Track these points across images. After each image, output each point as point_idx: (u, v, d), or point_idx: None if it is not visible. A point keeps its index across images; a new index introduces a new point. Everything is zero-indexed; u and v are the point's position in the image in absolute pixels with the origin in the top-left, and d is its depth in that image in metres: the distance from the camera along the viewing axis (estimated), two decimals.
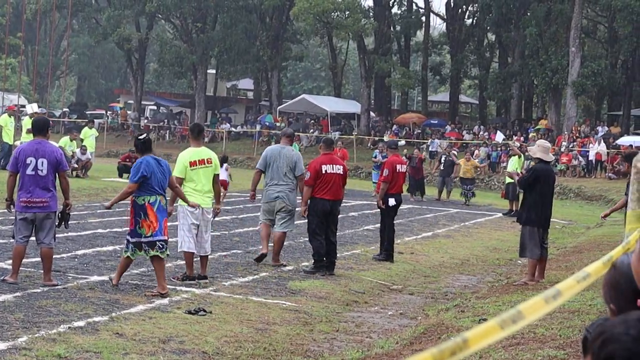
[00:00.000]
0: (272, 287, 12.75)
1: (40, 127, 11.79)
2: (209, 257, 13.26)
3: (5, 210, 12.28)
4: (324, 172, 14.58)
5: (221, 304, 11.15)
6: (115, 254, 14.50)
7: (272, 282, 13.18)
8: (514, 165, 28.61)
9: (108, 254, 14.57)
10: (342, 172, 14.80)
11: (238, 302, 11.42)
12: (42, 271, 11.57)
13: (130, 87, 74.12)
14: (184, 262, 12.96)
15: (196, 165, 12.75)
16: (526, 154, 28.37)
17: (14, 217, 11.73)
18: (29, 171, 11.35)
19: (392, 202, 16.50)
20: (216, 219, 14.38)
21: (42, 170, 11.37)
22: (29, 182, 11.36)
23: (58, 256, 13.36)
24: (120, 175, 32.68)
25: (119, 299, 10.94)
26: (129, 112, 69.72)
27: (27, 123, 30.46)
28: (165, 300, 11.05)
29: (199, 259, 12.90)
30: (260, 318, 10.59)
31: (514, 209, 27.62)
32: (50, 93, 77.81)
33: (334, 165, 14.74)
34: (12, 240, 12.04)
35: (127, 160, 33.87)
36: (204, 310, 10.55)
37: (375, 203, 17.60)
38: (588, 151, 44.23)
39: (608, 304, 2.67)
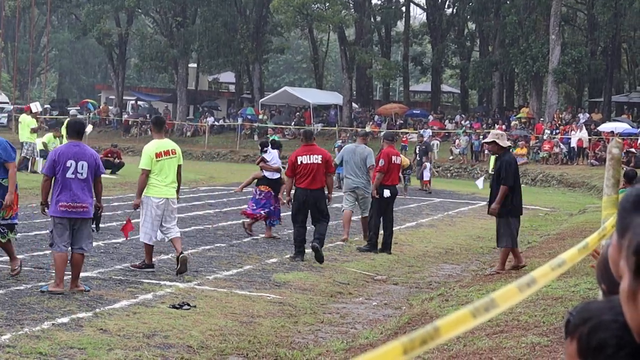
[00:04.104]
0: (256, 280, 12.75)
1: (78, 130, 11.53)
2: (195, 249, 13.23)
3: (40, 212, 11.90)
4: (299, 162, 15.04)
5: (205, 298, 11.13)
6: (98, 250, 14.44)
7: (256, 275, 13.17)
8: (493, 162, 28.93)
9: (91, 250, 14.46)
10: (321, 161, 15.06)
11: (222, 295, 11.41)
12: (71, 276, 11.17)
13: (111, 82, 73.69)
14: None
15: (162, 157, 12.91)
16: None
17: (51, 224, 11.25)
18: (69, 174, 11.03)
19: (387, 193, 16.58)
20: (199, 212, 14.36)
21: (81, 174, 11.08)
22: (70, 186, 11.03)
23: (41, 253, 13.34)
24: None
25: (103, 294, 10.91)
26: (110, 107, 69.31)
27: (30, 122, 30.22)
28: (150, 295, 11.03)
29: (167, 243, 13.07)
30: (244, 311, 10.58)
31: None
32: (31, 90, 77.35)
33: (312, 156, 15.07)
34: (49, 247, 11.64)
35: (109, 155, 33.74)
36: (188, 305, 10.54)
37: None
38: (570, 138, 44.34)
39: (600, 284, 2.65)
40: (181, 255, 12.45)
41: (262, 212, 17.42)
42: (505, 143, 14.02)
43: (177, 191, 13.24)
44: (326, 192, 15.58)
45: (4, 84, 76.54)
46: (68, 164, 11.06)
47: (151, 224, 12.82)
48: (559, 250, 14.97)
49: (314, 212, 15.10)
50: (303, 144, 15.56)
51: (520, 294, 3.11)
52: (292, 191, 15.54)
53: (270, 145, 18.36)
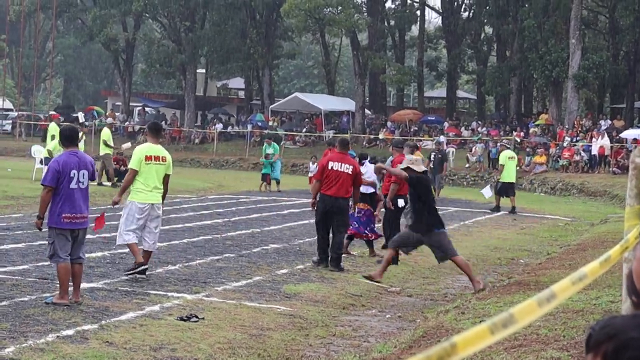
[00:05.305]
0: (266, 292, 12.60)
1: (74, 137, 11.38)
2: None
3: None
4: (329, 168, 15.28)
5: (214, 310, 10.98)
6: (104, 260, 14.28)
7: (266, 287, 13.02)
8: (505, 161, 29.07)
9: (97, 260, 14.34)
10: (351, 172, 15.28)
11: (231, 307, 11.25)
12: (72, 288, 10.99)
13: (118, 88, 73.64)
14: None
15: (151, 161, 13.03)
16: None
17: (52, 235, 10.95)
18: (72, 185, 10.87)
19: (401, 203, 16.48)
20: (208, 222, 14.18)
21: (82, 183, 10.96)
22: (73, 196, 10.85)
23: (46, 263, 13.13)
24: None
25: (109, 306, 10.78)
26: (117, 114, 68.93)
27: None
28: (157, 307, 10.90)
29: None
30: (254, 323, 10.42)
31: (500, 205, 29.01)
32: (35, 96, 77.45)
33: (343, 164, 15.32)
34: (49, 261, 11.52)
35: (115, 162, 33.56)
36: (196, 317, 10.39)
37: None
38: (591, 145, 43.73)
39: (630, 296, 2.64)
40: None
41: (367, 231, 17.20)
42: (420, 168, 14.16)
43: (163, 198, 13.31)
44: (351, 203, 15.72)
45: (9, 90, 76.61)
46: (72, 174, 10.90)
47: (133, 225, 12.83)
48: (580, 261, 14.70)
49: (336, 220, 15.26)
50: (337, 151, 15.86)
51: (539, 309, 3.14)
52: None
53: (368, 159, 18.52)
